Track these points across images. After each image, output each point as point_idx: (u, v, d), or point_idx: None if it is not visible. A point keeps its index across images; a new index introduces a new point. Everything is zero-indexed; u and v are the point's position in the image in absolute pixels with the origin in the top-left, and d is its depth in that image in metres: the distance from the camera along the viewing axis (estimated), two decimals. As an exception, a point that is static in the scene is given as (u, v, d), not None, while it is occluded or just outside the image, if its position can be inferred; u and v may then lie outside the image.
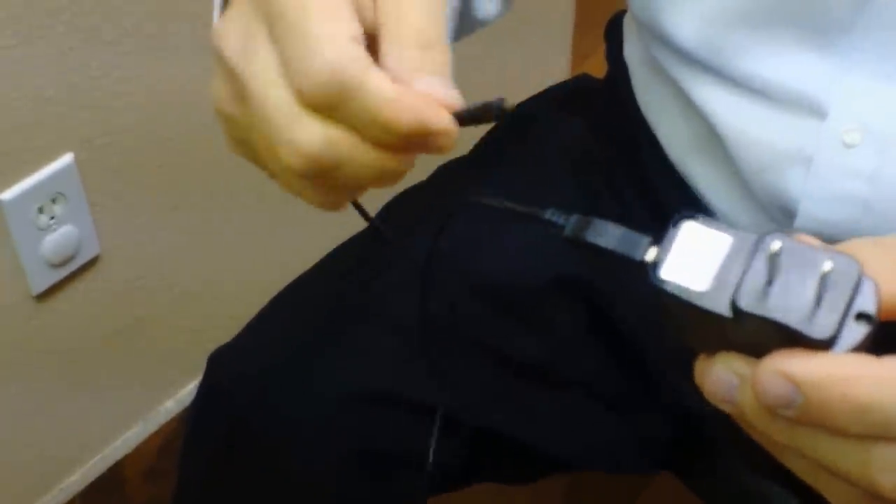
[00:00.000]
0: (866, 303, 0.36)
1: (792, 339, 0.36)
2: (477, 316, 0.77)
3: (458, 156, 0.87)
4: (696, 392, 0.80)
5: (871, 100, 0.63)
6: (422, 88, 0.44)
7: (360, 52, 0.43)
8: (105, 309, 1.19)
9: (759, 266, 0.36)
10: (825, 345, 0.36)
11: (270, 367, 0.75)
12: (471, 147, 0.87)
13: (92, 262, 1.15)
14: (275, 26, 0.44)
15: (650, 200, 0.78)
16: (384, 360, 0.75)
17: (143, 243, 1.19)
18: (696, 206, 0.74)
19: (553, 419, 0.79)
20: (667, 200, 0.77)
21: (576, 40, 1.65)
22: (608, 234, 0.39)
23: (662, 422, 0.80)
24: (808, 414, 0.36)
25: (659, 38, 0.71)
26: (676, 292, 0.37)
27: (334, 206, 0.49)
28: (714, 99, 0.69)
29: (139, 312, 1.23)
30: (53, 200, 1.07)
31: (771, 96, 0.66)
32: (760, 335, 0.36)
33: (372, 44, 0.45)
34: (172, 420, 1.31)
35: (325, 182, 0.46)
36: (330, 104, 0.43)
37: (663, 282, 0.37)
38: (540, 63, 1.62)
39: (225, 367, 0.78)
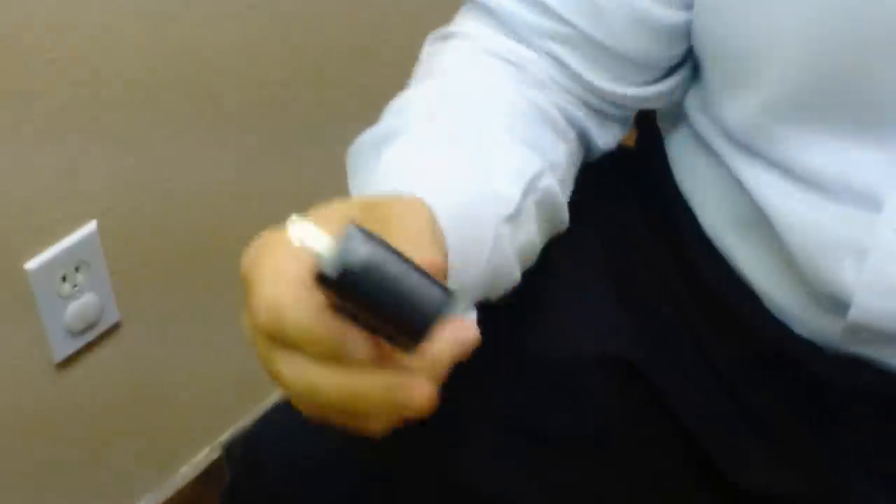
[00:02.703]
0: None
1: None
2: (512, 389, 0.74)
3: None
4: (754, 477, 0.76)
5: None
6: None
7: (300, 292, 0.46)
8: (124, 375, 1.20)
9: None
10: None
11: (306, 445, 0.74)
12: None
13: (112, 330, 1.16)
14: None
15: (687, 274, 0.76)
16: (411, 436, 0.74)
17: (162, 310, 1.20)
18: (737, 283, 0.73)
19: (587, 499, 0.76)
20: (705, 275, 0.74)
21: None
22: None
23: None
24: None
25: (708, 117, 0.70)
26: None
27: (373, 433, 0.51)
28: (763, 183, 0.67)
29: (157, 378, 1.24)
30: (77, 268, 1.08)
31: (824, 186, 0.65)
32: None
33: None
34: (188, 485, 1.32)
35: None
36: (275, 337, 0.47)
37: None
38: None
39: (262, 446, 0.76)
